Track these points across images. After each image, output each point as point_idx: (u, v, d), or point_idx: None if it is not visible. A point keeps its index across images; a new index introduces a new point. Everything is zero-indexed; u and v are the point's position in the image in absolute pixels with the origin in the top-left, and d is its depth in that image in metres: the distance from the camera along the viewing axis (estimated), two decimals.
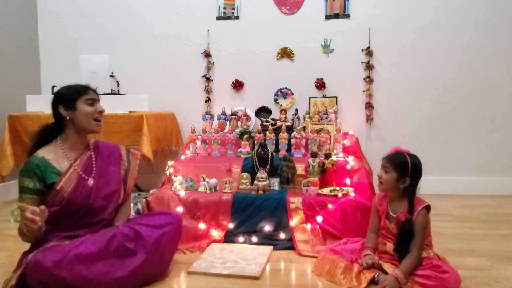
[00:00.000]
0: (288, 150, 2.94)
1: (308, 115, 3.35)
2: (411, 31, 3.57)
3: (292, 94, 3.71)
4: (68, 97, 1.73)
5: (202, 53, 3.79)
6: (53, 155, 1.71)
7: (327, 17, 3.66)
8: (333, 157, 2.66)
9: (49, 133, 1.78)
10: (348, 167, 2.61)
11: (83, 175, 1.75)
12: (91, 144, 1.86)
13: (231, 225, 2.31)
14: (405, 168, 1.74)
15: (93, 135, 1.86)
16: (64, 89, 1.77)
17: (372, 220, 1.92)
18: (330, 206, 2.25)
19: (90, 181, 1.76)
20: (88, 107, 1.74)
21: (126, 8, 3.86)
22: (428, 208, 1.75)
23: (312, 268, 1.90)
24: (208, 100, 3.81)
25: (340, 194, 2.32)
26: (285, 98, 3.74)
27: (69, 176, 1.71)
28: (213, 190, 2.49)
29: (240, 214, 2.34)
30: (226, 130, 3.33)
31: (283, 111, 3.38)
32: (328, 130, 2.96)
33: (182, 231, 1.94)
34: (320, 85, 3.66)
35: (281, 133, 2.93)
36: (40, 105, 3.13)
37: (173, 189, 2.48)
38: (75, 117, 1.73)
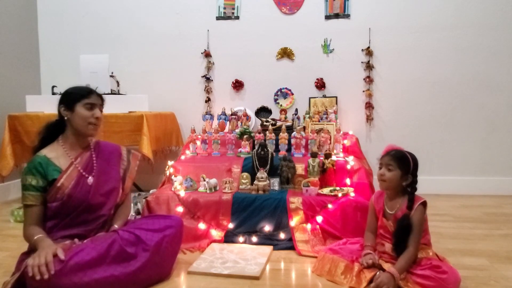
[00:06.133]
0: (288, 150, 2.94)
1: (308, 115, 3.35)
2: (411, 31, 3.57)
3: (292, 94, 3.71)
4: (70, 99, 1.78)
5: (202, 53, 3.79)
6: (54, 153, 1.76)
7: (327, 17, 3.66)
8: (333, 157, 2.66)
9: (52, 133, 1.83)
10: (348, 167, 2.61)
11: (84, 173, 1.79)
12: (92, 144, 1.89)
13: (231, 225, 2.31)
14: (408, 165, 1.77)
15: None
16: (71, 89, 1.82)
17: (369, 220, 1.93)
18: (330, 206, 2.25)
19: (90, 179, 1.79)
20: (85, 111, 1.77)
21: (126, 8, 3.86)
22: (424, 204, 1.76)
23: (312, 268, 1.90)
24: (208, 100, 3.81)
25: (340, 194, 2.32)
26: (285, 98, 3.74)
27: (70, 174, 1.75)
28: (213, 190, 2.49)
29: (240, 214, 2.34)
30: (226, 130, 3.33)
31: (283, 111, 3.38)
32: (328, 130, 2.96)
33: (183, 233, 1.94)
34: (320, 85, 3.66)
35: (281, 133, 2.93)
36: (40, 105, 3.13)
37: (173, 189, 2.48)
38: (72, 119, 1.78)
